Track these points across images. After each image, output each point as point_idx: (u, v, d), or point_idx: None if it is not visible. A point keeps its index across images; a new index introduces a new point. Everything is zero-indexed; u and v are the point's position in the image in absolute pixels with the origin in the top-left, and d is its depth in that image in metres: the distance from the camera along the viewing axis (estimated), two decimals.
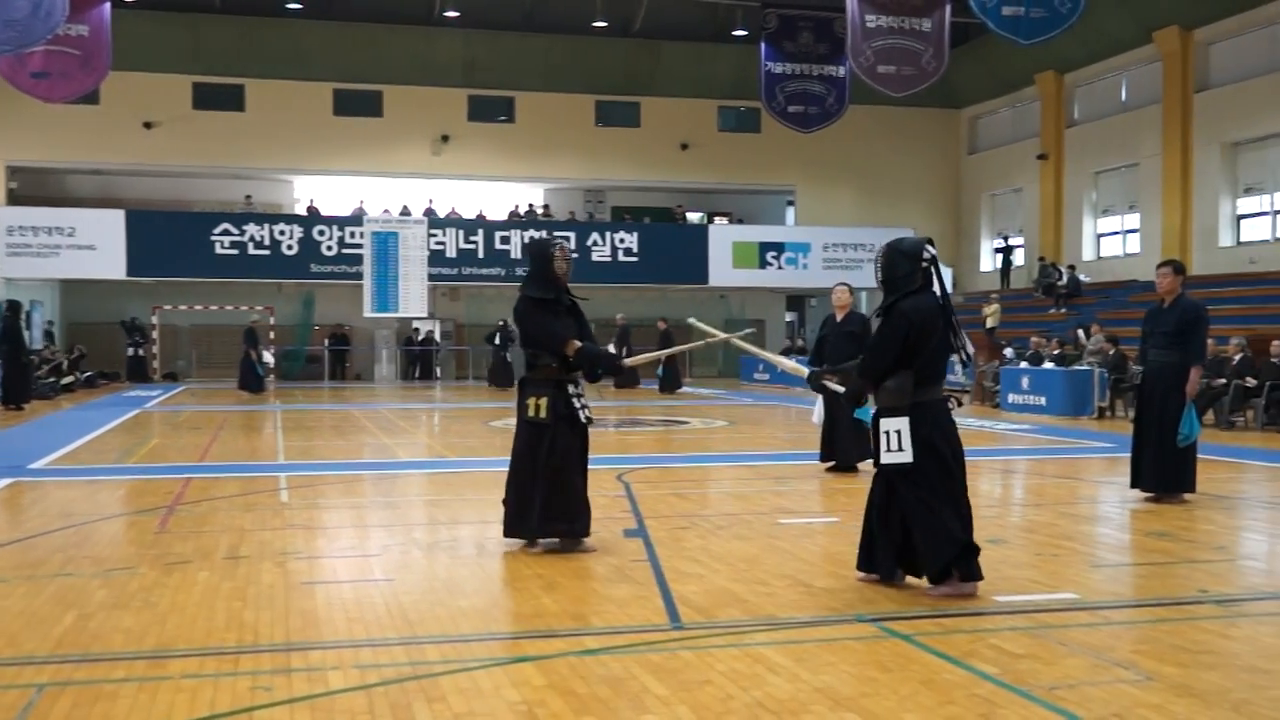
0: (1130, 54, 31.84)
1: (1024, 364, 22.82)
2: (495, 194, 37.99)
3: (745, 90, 34.42)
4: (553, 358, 7.42)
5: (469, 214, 36.45)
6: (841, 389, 6.86)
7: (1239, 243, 28.85)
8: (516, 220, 36.29)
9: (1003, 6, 22.68)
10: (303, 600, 6.20)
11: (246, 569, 7.00)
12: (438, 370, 36.57)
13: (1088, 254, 33.95)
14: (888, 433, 6.18)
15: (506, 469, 7.63)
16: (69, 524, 8.72)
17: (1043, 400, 20.91)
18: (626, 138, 37.58)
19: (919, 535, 6.13)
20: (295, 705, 4.44)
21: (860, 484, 10.95)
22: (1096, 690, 4.56)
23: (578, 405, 7.48)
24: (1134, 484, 9.97)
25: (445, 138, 36.29)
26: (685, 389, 29.29)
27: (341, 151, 35.54)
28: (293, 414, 21.30)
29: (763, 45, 29.00)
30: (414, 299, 33.86)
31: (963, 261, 40.04)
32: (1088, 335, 22.56)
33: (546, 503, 7.33)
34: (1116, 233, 33.64)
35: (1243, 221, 29.15)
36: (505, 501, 7.58)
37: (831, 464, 11.81)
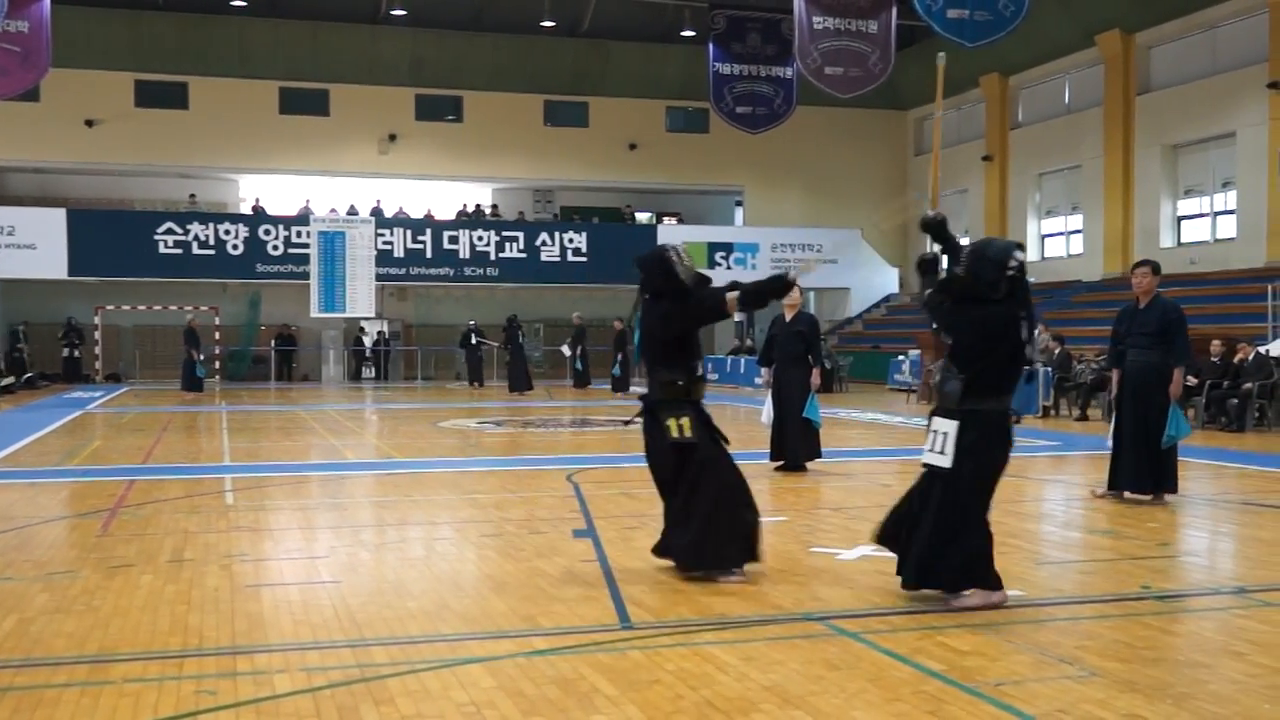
0: (1073, 57, 32.24)
1: None
2: (443, 193, 37.85)
3: (694, 91, 34.52)
4: (683, 375, 6.84)
5: (417, 213, 36.29)
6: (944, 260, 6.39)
7: (1179, 244, 29.29)
8: (465, 220, 36.16)
9: (948, 9, 22.89)
10: (248, 603, 6.13)
11: (191, 572, 6.92)
12: (387, 370, 36.37)
13: (1032, 254, 34.24)
14: (935, 432, 6.04)
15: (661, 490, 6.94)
16: (10, 527, 8.58)
17: None
18: (575, 137, 37.56)
19: (942, 544, 5.94)
20: (240, 709, 4.40)
21: (808, 483, 11.01)
22: (1042, 686, 4.61)
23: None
24: (1112, 486, 9.82)
25: (393, 137, 36.11)
26: (634, 388, 29.31)
27: (287, 150, 35.27)
28: (238, 415, 21.09)
29: (711, 46, 29.11)
30: (361, 299, 33.63)
31: (909, 262, 40.30)
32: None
33: (703, 529, 6.60)
34: (1060, 233, 34.07)
35: (1183, 223, 29.61)
36: (699, 545, 6.63)
37: (780, 463, 11.84)
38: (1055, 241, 34.24)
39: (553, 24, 34.71)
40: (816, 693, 4.54)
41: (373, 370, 36.00)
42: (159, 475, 11.92)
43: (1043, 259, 34.15)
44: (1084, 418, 18.90)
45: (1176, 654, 5.12)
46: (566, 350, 30.16)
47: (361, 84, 35.61)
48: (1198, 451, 13.37)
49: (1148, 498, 9.61)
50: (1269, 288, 22.91)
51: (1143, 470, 9.59)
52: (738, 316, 40.82)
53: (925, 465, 6.09)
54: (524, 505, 9.71)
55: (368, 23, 35.03)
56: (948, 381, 6.06)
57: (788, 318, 11.91)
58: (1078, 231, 32.98)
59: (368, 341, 36.27)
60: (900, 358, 29.01)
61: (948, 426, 5.97)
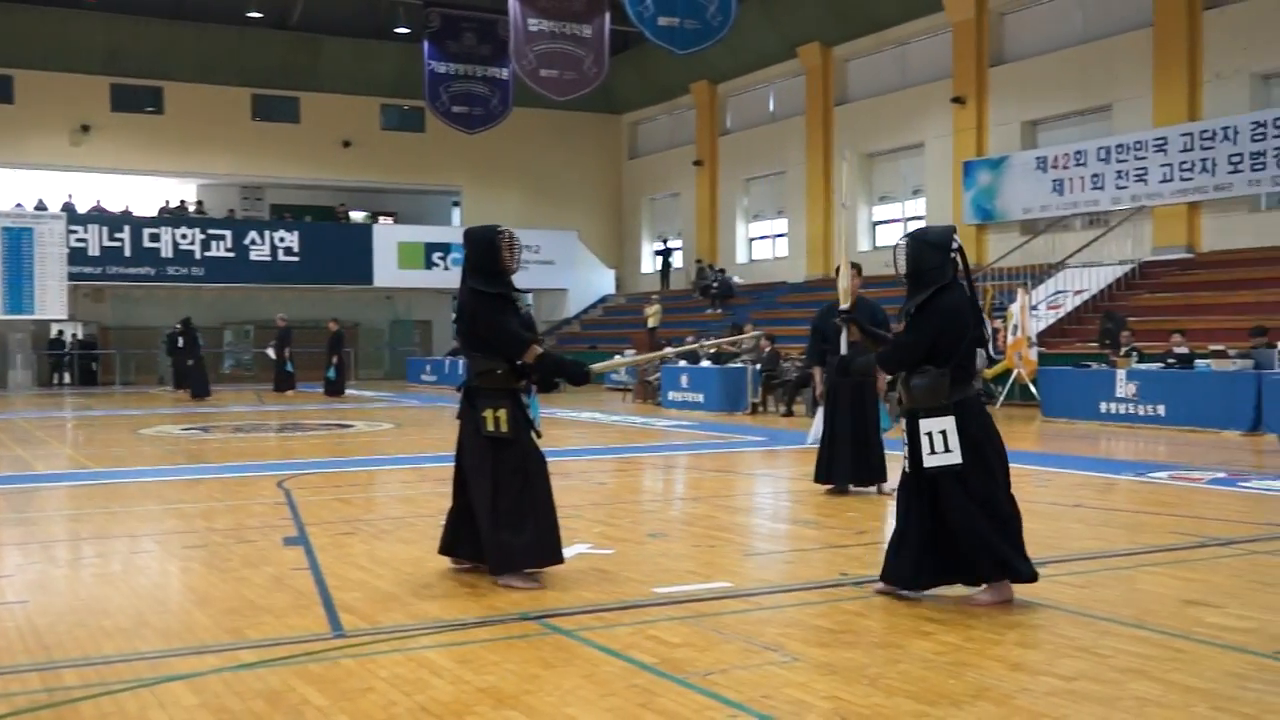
0: (777, 67, 33.62)
1: (683, 362, 23.63)
2: (143, 189, 36.00)
3: (409, 89, 34.10)
4: (503, 363, 6.52)
5: (114, 209, 34.38)
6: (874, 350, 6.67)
7: (875, 247, 30.98)
8: (167, 217, 34.52)
9: (659, 16, 23.45)
10: None
11: None
12: (90, 374, 34.32)
13: (741, 257, 35.59)
14: (930, 434, 5.81)
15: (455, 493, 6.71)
16: None
17: (700, 397, 21.74)
18: (286, 134, 36.48)
19: (965, 542, 5.86)
20: None
21: None
22: (747, 674, 4.77)
23: (532, 417, 6.64)
24: (828, 479, 10.01)
25: (86, 128, 34.10)
26: (351, 391, 28.71)
27: None
28: None
29: (426, 44, 28.80)
30: (52, 300, 31.55)
31: (625, 263, 41.12)
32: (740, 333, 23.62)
33: (540, 527, 6.42)
34: (766, 237, 35.45)
35: (878, 227, 31.34)
36: (498, 542, 6.37)
37: None
38: (762, 244, 35.61)
39: (260, 15, 33.57)
40: (532, 692, 4.56)
41: (67, 375, 33.91)
42: None
43: (751, 261, 35.46)
44: (789, 413, 19.72)
45: (871, 636, 5.40)
46: (271, 353, 29.15)
47: (51, 70, 33.45)
48: (895, 443, 14.17)
49: (872, 489, 10.03)
50: None
51: (860, 464, 9.96)
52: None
53: (928, 470, 5.87)
54: (232, 514, 9.36)
55: (58, 6, 32.90)
56: (915, 378, 5.95)
57: None
58: (783, 235, 34.41)
59: (66, 345, 34.13)
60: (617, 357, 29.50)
61: (943, 424, 5.81)
